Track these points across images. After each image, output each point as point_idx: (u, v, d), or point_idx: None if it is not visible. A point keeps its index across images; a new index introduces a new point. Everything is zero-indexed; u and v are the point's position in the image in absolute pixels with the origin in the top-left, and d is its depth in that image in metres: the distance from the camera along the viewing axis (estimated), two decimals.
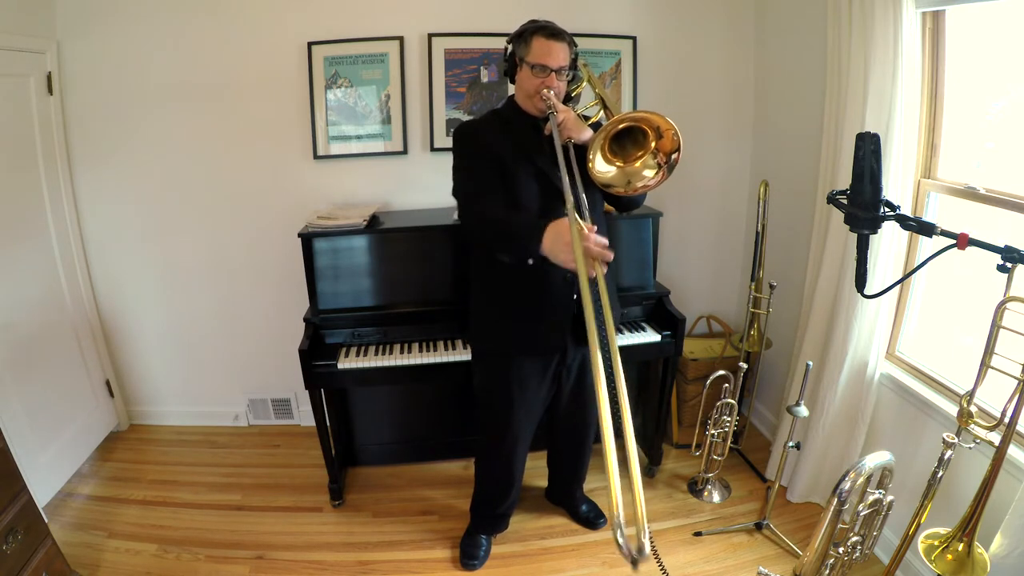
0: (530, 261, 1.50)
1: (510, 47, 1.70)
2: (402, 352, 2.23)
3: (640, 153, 1.46)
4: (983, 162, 1.84)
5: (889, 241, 1.92)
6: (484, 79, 2.60)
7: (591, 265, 1.30)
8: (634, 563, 0.80)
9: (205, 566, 2.09)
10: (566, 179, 1.43)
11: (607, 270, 1.39)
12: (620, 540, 0.79)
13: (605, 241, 1.36)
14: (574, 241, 1.29)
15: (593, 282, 1.22)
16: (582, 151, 1.59)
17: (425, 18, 2.51)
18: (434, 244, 2.32)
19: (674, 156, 1.42)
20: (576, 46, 1.70)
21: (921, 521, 1.53)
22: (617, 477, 0.82)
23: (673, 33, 2.68)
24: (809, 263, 2.31)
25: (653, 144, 1.43)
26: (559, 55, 1.62)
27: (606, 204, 1.85)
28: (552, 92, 1.62)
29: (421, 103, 2.61)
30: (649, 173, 1.46)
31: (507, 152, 1.68)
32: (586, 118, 1.70)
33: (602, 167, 1.46)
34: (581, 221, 1.36)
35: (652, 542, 0.74)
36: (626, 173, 1.47)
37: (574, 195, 1.42)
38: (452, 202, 1.78)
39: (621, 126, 1.40)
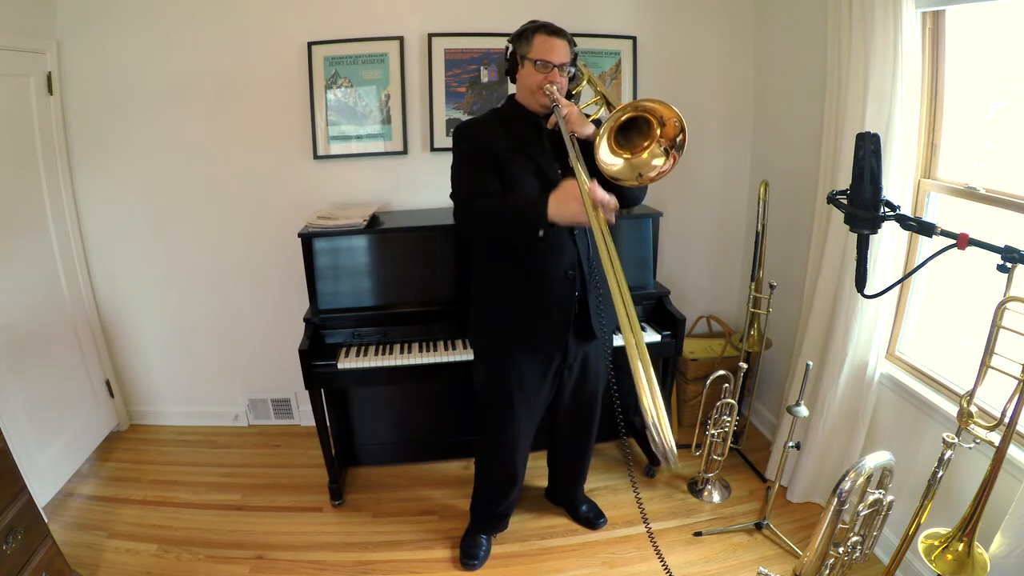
0: (541, 233, 1.50)
1: (511, 47, 1.72)
2: (402, 352, 2.23)
3: (646, 143, 1.45)
4: (983, 162, 1.84)
5: (889, 241, 1.92)
6: (484, 79, 2.60)
7: (599, 213, 1.33)
8: (666, 459, 0.92)
9: (205, 566, 2.09)
10: (573, 157, 1.44)
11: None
12: (656, 437, 0.91)
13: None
14: (582, 191, 1.33)
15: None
16: (586, 147, 1.59)
17: (425, 18, 2.52)
18: (434, 244, 2.32)
19: (679, 139, 1.41)
20: (575, 45, 1.72)
21: (921, 521, 1.53)
22: (646, 382, 0.94)
23: (673, 33, 2.69)
24: (809, 263, 2.31)
25: (658, 132, 1.43)
26: (561, 51, 1.64)
27: None
28: (555, 87, 1.63)
29: (421, 103, 2.61)
30: (659, 161, 1.44)
31: (506, 150, 1.69)
32: (587, 116, 1.70)
33: (609, 159, 1.45)
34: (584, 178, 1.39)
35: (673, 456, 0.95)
36: (634, 165, 1.46)
37: (579, 165, 1.45)
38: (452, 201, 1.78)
39: (625, 117, 1.40)
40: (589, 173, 1.49)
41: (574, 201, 1.41)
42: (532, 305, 1.76)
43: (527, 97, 1.71)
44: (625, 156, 1.46)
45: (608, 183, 1.45)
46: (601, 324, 1.81)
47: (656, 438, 0.91)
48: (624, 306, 1.07)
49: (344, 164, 2.65)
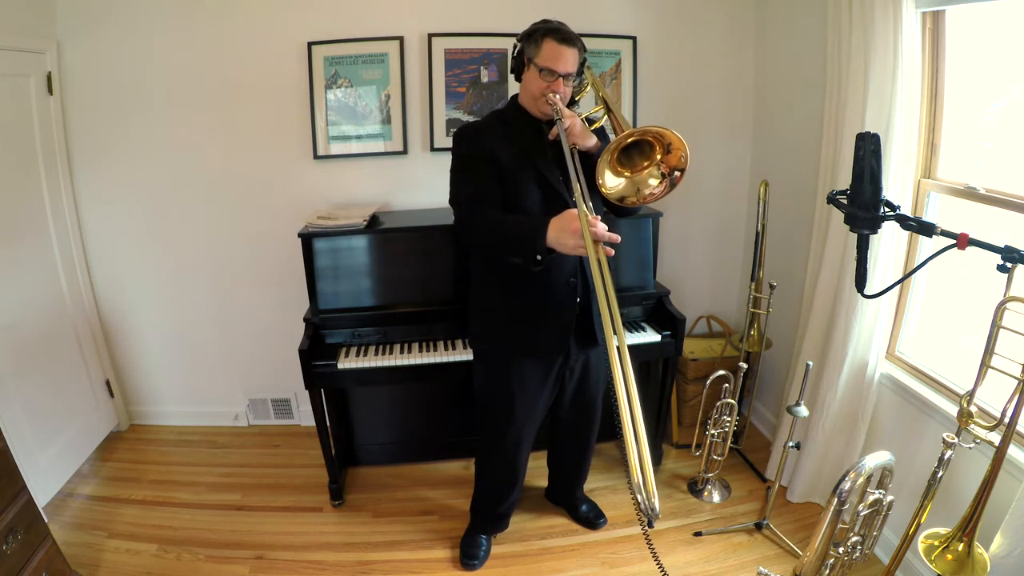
0: (538, 257, 1.48)
1: (519, 45, 1.66)
2: (402, 352, 2.23)
3: (646, 163, 1.45)
4: (983, 162, 1.84)
5: (889, 241, 1.93)
6: (484, 79, 2.60)
7: (599, 248, 1.31)
8: (650, 521, 0.89)
9: (205, 566, 2.09)
10: (573, 174, 1.42)
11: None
12: (640, 497, 0.88)
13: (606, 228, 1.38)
14: (583, 226, 1.30)
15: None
16: (586, 155, 1.59)
17: (425, 18, 2.51)
18: (434, 244, 2.32)
19: (677, 175, 1.42)
20: (586, 51, 1.66)
21: (921, 521, 1.53)
22: (634, 442, 0.92)
23: (673, 33, 2.69)
24: (809, 263, 2.31)
25: (659, 157, 1.43)
26: (568, 60, 1.59)
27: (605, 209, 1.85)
28: (558, 97, 1.60)
29: (421, 103, 2.61)
30: (653, 182, 1.45)
31: (508, 155, 1.66)
32: (589, 121, 1.69)
33: (612, 181, 1.45)
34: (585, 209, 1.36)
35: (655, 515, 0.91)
36: (634, 182, 1.46)
37: (580, 186, 1.42)
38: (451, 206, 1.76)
39: (629, 140, 1.39)
40: (589, 185, 1.48)
41: (575, 234, 1.38)
42: (532, 310, 1.75)
43: (529, 102, 1.68)
44: (626, 174, 1.46)
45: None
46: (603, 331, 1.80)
47: (640, 498, 0.88)
48: (619, 350, 1.03)
49: (344, 164, 2.65)
